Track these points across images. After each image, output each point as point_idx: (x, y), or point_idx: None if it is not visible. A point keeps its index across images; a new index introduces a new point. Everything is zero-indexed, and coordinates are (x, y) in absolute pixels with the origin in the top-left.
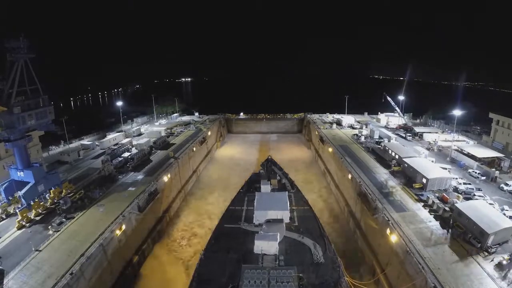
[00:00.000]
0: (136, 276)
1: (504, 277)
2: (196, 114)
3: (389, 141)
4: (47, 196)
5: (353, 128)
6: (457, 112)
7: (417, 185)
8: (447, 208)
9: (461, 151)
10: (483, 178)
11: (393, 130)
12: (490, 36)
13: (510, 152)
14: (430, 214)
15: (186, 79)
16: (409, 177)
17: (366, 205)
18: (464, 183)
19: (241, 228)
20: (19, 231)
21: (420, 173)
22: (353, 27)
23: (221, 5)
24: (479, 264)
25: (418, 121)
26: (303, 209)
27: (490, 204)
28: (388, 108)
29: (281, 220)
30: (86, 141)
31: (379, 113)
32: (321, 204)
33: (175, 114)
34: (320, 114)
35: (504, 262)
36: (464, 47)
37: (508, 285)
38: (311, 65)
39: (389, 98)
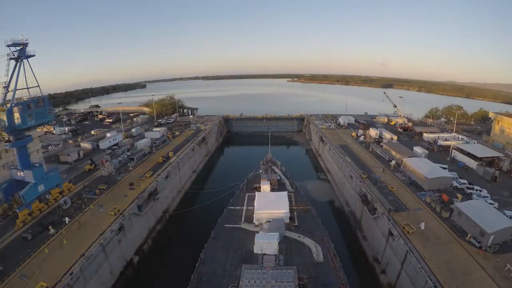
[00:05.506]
0: (136, 276)
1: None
2: (196, 114)
3: (388, 140)
4: (47, 196)
5: (353, 128)
6: (457, 110)
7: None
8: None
9: (461, 151)
10: (484, 177)
11: (393, 129)
12: None
13: (510, 152)
14: (430, 214)
15: (187, 79)
16: (409, 177)
17: (366, 204)
18: (464, 183)
19: (241, 228)
20: (19, 231)
21: (420, 173)
22: None
23: None
24: (479, 264)
25: (418, 120)
26: (303, 209)
27: (490, 204)
28: (388, 108)
29: (281, 220)
30: (86, 141)
31: (379, 112)
32: None
33: (175, 114)
34: (320, 114)
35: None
36: None
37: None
38: None
39: (389, 98)
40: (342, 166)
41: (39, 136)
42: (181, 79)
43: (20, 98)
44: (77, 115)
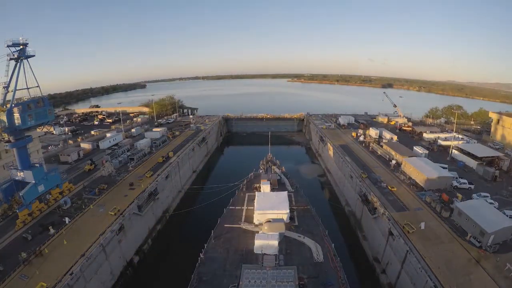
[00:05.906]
0: (136, 276)
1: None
2: (196, 114)
3: (389, 140)
4: (47, 196)
5: (353, 127)
6: (457, 110)
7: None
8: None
9: (461, 151)
10: (484, 177)
11: (393, 129)
12: None
13: (510, 151)
14: (430, 214)
15: (187, 79)
16: (409, 176)
17: (366, 204)
18: (464, 183)
19: (241, 228)
20: (19, 231)
21: (420, 173)
22: None
23: None
24: (479, 264)
25: (418, 120)
26: (303, 208)
27: (490, 203)
28: (388, 108)
29: (281, 220)
30: (86, 141)
31: (379, 112)
32: None
33: (175, 114)
34: (320, 114)
35: None
36: None
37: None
38: None
39: (389, 98)
40: (342, 166)
41: (39, 136)
42: (181, 79)
43: (20, 98)
44: (77, 115)
